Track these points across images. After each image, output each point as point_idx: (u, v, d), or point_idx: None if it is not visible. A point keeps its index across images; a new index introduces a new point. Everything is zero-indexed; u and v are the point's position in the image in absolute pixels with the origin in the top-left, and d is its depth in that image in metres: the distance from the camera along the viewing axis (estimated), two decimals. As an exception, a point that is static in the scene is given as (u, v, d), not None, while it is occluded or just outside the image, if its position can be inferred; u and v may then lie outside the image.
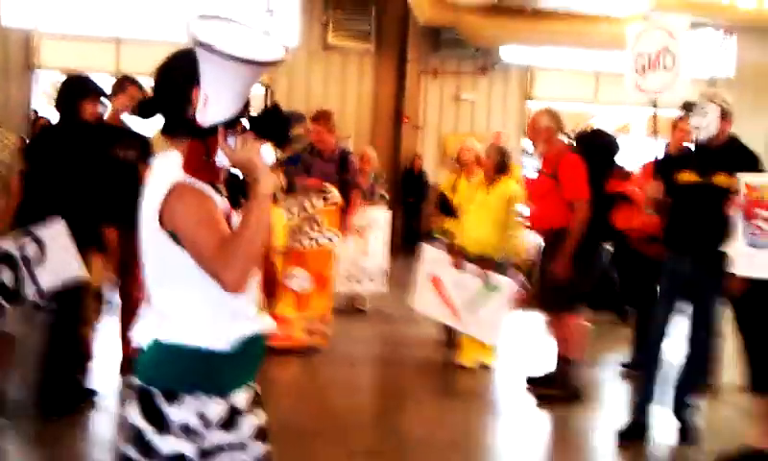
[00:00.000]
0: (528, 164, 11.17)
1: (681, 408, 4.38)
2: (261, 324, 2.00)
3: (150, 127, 4.50)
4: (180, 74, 1.92)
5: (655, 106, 4.74)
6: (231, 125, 1.84)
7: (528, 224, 5.70)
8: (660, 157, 5.17)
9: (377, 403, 5.22)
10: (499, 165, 5.65)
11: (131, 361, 4.78)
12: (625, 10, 11.27)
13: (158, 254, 1.89)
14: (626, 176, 5.25)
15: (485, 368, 5.67)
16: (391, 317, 7.17)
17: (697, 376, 4.40)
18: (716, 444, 4.28)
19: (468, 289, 5.41)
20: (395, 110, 12.95)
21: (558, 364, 5.19)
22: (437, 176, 12.51)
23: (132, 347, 2.01)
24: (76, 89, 4.42)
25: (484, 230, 5.53)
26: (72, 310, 4.31)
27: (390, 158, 12.46)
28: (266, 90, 10.98)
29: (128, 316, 4.88)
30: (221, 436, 1.94)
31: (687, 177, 4.19)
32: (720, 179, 4.07)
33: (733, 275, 3.86)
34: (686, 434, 4.36)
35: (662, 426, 4.42)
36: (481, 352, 5.69)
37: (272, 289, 4.92)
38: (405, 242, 12.02)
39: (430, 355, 6.10)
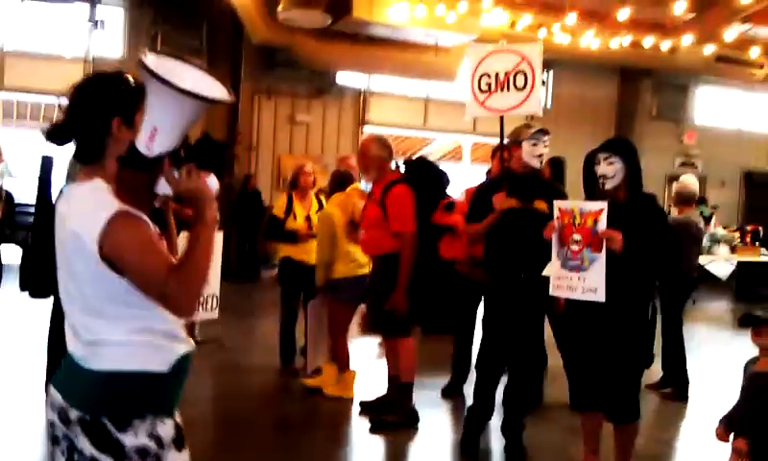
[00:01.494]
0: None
1: (510, 427, 4.53)
2: (189, 343, 2.07)
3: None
4: (103, 102, 1.94)
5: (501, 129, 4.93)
6: (175, 156, 1.88)
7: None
8: (482, 183, 5.37)
9: (217, 439, 4.99)
10: (336, 189, 5.65)
11: None
12: (451, 41, 11.79)
13: (96, 285, 1.89)
14: (451, 207, 5.39)
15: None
16: (226, 346, 6.94)
17: (525, 395, 4.54)
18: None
19: None
20: (227, 130, 12.67)
21: (391, 388, 5.23)
22: (272, 198, 12.37)
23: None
24: None
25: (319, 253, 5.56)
26: None
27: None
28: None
29: None
30: (175, 456, 1.98)
31: (509, 203, 4.37)
32: (541, 204, 4.31)
33: (554, 297, 4.07)
34: (515, 453, 4.50)
35: (492, 446, 4.56)
36: (342, 389, 5.63)
37: None
38: (238, 266, 11.75)
39: (268, 382, 5.98)
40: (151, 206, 1.99)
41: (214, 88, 1.90)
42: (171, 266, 1.84)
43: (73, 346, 1.97)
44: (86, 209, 1.88)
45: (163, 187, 1.92)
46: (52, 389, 2.00)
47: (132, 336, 1.92)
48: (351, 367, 5.67)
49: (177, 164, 1.89)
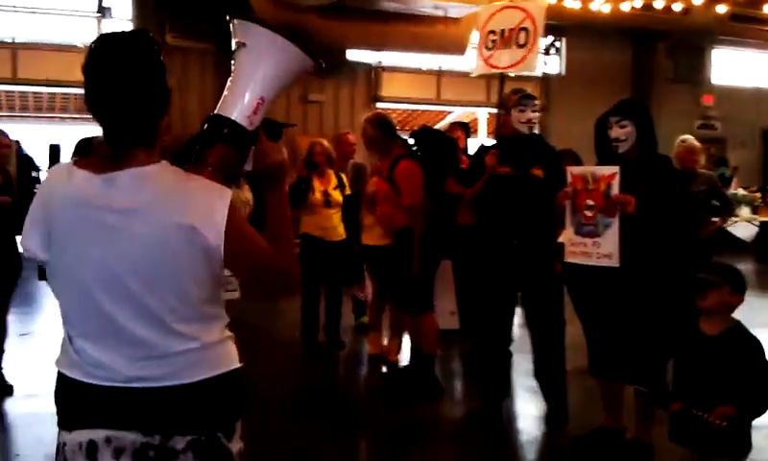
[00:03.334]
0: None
1: (550, 392, 4.53)
2: None
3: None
4: (163, 76, 1.65)
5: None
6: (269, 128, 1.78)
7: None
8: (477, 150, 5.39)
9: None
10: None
11: None
12: (460, 11, 11.68)
13: (205, 282, 1.67)
14: (461, 174, 5.39)
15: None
16: (249, 323, 7.01)
17: (557, 359, 4.51)
18: (570, 427, 4.42)
19: None
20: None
21: (414, 360, 5.26)
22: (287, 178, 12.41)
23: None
24: None
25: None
26: None
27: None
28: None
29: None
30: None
31: (504, 170, 4.37)
32: (537, 171, 4.31)
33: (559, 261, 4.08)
34: (555, 417, 4.51)
35: (529, 410, 4.60)
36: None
37: None
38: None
39: (290, 361, 6.03)
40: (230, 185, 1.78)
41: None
42: (269, 243, 1.74)
43: (138, 369, 1.63)
44: (192, 197, 1.62)
45: (248, 163, 1.79)
46: (108, 433, 1.64)
47: (225, 333, 1.79)
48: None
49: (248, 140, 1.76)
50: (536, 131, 4.47)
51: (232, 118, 1.73)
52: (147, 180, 1.62)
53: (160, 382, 1.64)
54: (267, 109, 1.76)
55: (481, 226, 4.56)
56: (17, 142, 5.05)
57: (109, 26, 11.53)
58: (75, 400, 1.68)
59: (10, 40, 11.05)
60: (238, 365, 1.79)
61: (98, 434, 1.64)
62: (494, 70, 5.02)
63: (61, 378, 1.71)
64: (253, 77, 1.72)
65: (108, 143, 1.65)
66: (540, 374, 4.56)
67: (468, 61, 13.43)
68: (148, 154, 1.65)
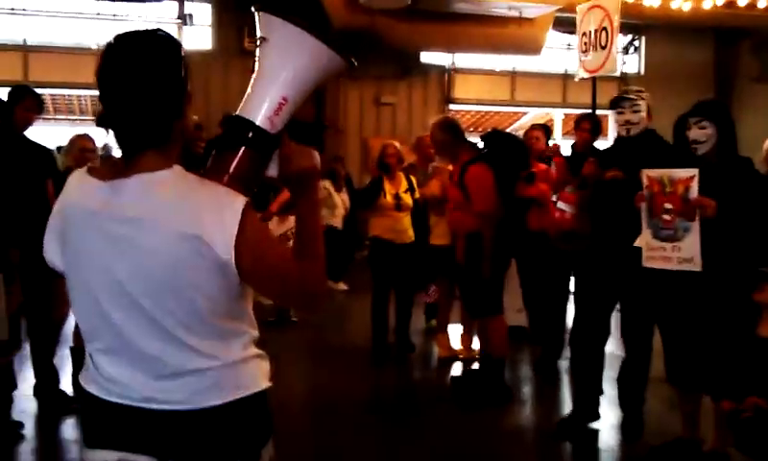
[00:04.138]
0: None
1: (630, 402, 4.40)
2: None
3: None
4: (177, 73, 1.54)
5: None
6: (294, 131, 1.65)
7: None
8: (569, 155, 5.30)
9: (310, 420, 5.14)
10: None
11: (46, 384, 4.68)
12: (535, 12, 11.53)
13: (219, 297, 1.54)
14: (531, 177, 5.32)
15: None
16: (319, 325, 7.12)
17: (641, 368, 4.36)
18: (647, 436, 4.30)
19: None
20: (314, 115, 12.87)
21: (484, 364, 5.24)
22: (360, 180, 12.51)
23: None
24: None
25: None
26: None
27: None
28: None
29: (41, 340, 4.74)
30: None
31: (613, 174, 4.15)
32: (613, 173, 4.16)
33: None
34: (631, 427, 4.39)
35: (604, 419, 4.51)
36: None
37: None
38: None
39: (360, 363, 6.09)
40: (251, 192, 1.64)
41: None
42: (295, 258, 1.61)
43: (151, 391, 1.55)
44: (204, 205, 1.50)
45: (271, 169, 1.66)
46: (120, 455, 1.59)
47: (248, 351, 1.64)
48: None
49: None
50: (636, 130, 4.20)
51: (251, 119, 1.61)
52: (154, 187, 1.51)
53: (176, 405, 1.54)
54: (292, 109, 1.62)
55: (594, 233, 4.42)
56: (106, 146, 5.21)
57: (190, 33, 11.89)
58: (93, 417, 1.64)
59: (94, 46, 11.51)
60: (264, 386, 1.65)
61: (111, 456, 1.58)
62: (588, 75, 4.98)
63: (84, 394, 1.65)
64: (275, 75, 1.60)
65: (118, 146, 1.56)
66: (624, 381, 4.44)
67: (543, 62, 13.26)
68: (159, 157, 1.54)
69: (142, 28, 1.56)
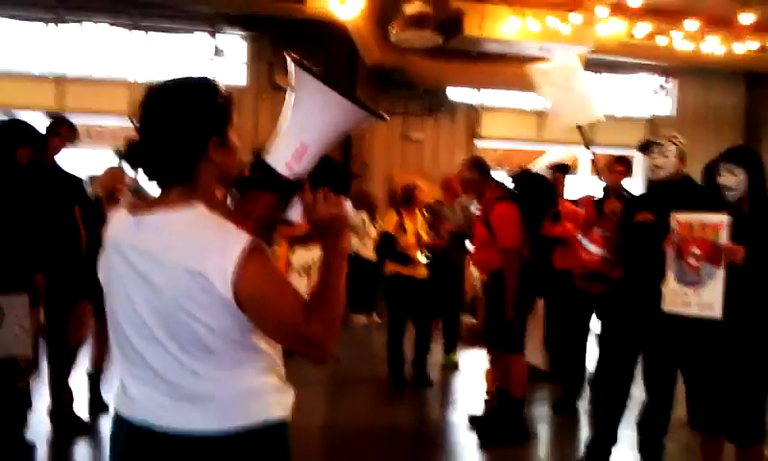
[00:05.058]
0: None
1: (649, 447, 4.33)
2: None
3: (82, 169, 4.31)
4: (200, 117, 1.64)
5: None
6: (315, 178, 1.66)
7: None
8: (600, 196, 5.29)
9: (328, 450, 5.11)
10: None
11: (61, 407, 4.72)
12: (566, 53, 11.55)
13: (220, 329, 1.59)
14: (557, 217, 5.31)
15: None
16: (339, 357, 7.10)
17: (663, 414, 4.30)
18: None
19: None
20: (342, 150, 12.97)
21: (502, 402, 5.18)
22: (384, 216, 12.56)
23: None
24: (12, 134, 4.33)
25: None
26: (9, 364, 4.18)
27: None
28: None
29: (59, 363, 4.78)
30: None
31: (644, 217, 4.14)
32: (644, 216, 4.14)
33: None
34: None
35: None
36: None
37: None
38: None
39: (378, 394, 6.07)
40: (272, 234, 1.75)
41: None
42: (306, 305, 1.61)
43: (169, 415, 1.62)
44: (208, 243, 1.57)
45: (294, 213, 1.70)
46: None
47: (261, 381, 1.67)
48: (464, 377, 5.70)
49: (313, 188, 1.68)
50: (664, 174, 4.18)
51: (270, 163, 1.67)
52: (169, 223, 1.61)
53: (191, 430, 1.61)
54: (315, 156, 1.66)
55: (622, 275, 4.40)
56: (137, 179, 5.32)
57: (221, 66, 12.07)
58: (117, 438, 1.73)
59: (131, 79, 11.75)
60: (276, 416, 1.68)
61: None
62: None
63: (113, 414, 1.76)
64: (295, 122, 1.65)
65: (148, 181, 1.69)
66: (644, 426, 4.36)
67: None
68: (184, 194, 1.64)
69: (184, 75, 1.70)
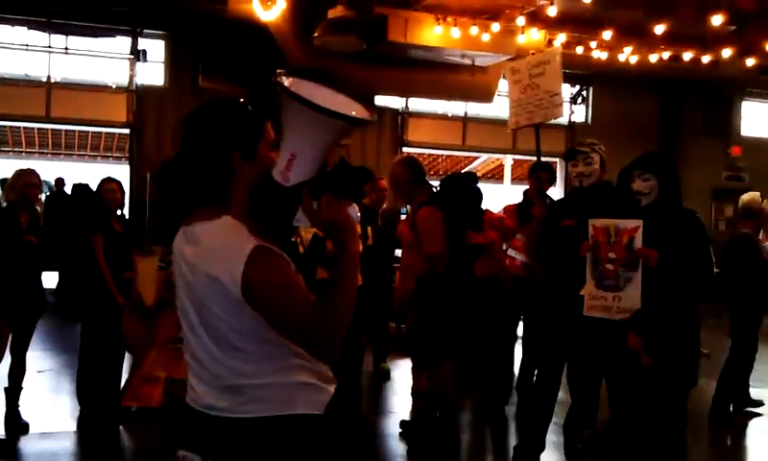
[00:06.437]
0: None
1: (573, 448, 4.43)
2: (335, 382, 1.99)
3: None
4: (219, 136, 1.79)
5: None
6: (312, 185, 1.77)
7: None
8: (520, 202, 5.38)
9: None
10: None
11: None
12: (488, 60, 11.76)
13: (242, 327, 1.75)
14: (480, 224, 5.36)
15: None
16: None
17: (587, 415, 4.40)
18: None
19: None
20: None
21: (429, 408, 5.19)
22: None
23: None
24: None
25: None
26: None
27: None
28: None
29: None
30: None
31: (567, 222, 4.23)
32: (568, 222, 4.24)
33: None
34: None
35: None
36: None
37: (141, 346, 4.68)
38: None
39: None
40: (286, 239, 1.87)
41: (353, 108, 1.82)
42: (314, 305, 1.71)
43: (212, 398, 1.80)
44: (222, 251, 1.73)
45: (301, 219, 1.81)
46: (183, 453, 1.84)
47: (291, 376, 1.79)
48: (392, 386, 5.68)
49: (315, 194, 1.77)
50: (588, 182, 4.30)
51: (268, 173, 1.80)
52: (203, 234, 1.78)
53: (224, 413, 1.77)
54: (307, 164, 1.76)
55: (546, 279, 4.46)
56: (60, 180, 5.13)
57: (143, 69, 11.76)
58: (180, 419, 1.92)
59: (44, 79, 11.32)
60: (302, 412, 1.79)
61: (181, 453, 1.85)
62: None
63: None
64: (285, 133, 1.77)
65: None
66: (570, 428, 4.45)
67: (495, 108, 13.50)
68: (217, 208, 1.79)
69: (220, 99, 1.89)
